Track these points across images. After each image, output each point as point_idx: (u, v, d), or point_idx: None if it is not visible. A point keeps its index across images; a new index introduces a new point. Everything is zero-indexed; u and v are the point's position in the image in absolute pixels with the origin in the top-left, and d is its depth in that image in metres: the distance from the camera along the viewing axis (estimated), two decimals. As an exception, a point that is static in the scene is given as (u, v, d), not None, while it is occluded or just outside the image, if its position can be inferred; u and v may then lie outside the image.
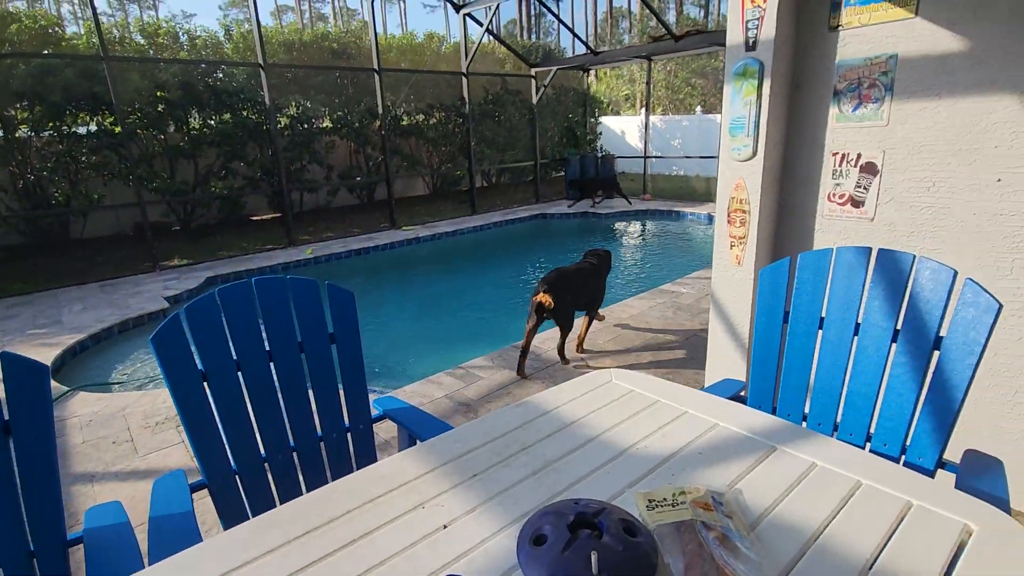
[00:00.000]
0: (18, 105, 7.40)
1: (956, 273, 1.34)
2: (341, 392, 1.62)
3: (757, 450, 1.12)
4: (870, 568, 0.80)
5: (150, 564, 0.91)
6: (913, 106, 2.11)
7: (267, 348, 1.50)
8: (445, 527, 0.93)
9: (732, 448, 1.13)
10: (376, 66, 8.86)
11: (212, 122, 8.91)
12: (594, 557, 0.73)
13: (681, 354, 3.73)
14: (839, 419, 1.52)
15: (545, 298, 3.33)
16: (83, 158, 7.82)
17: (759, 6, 2.30)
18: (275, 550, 0.89)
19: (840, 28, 2.25)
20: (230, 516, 1.40)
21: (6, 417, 1.11)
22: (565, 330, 3.57)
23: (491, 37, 11.91)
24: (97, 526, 1.13)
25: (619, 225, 9.88)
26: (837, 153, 2.34)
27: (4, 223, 7.70)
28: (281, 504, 1.13)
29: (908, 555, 0.82)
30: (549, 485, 1.03)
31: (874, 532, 0.87)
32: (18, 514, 1.13)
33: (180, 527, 1.08)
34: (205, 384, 1.38)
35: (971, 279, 1.31)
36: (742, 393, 1.69)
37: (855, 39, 2.21)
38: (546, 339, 4.08)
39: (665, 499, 0.91)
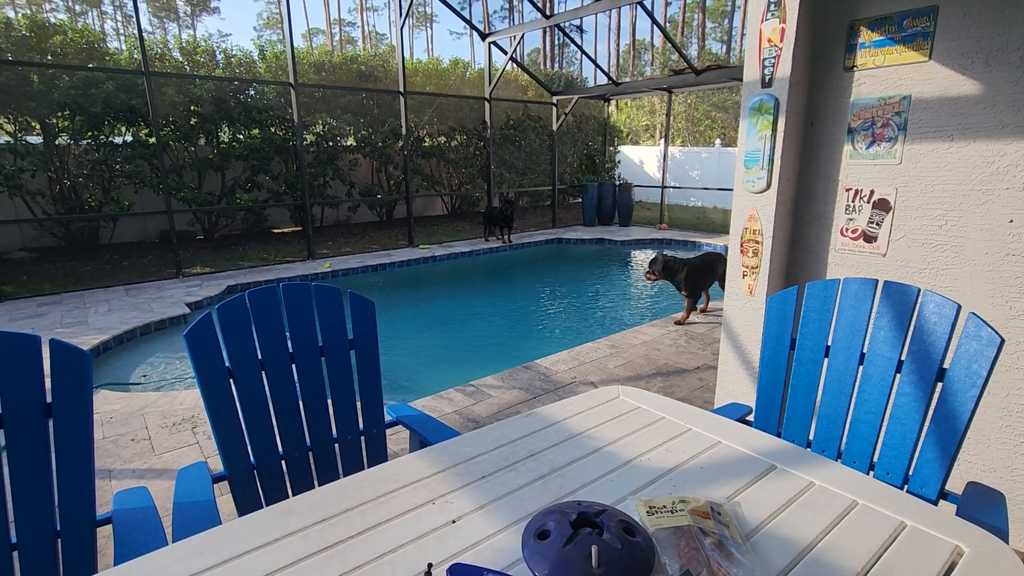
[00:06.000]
0: (59, 114, 7.74)
1: (960, 307, 1.37)
2: (357, 396, 1.68)
3: (757, 467, 1.15)
4: (861, 581, 0.83)
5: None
6: (926, 146, 2.15)
7: (290, 351, 1.57)
8: (454, 522, 0.97)
9: (733, 464, 1.17)
10: (402, 88, 9.13)
11: (241, 136, 9.23)
12: (595, 550, 0.78)
13: (692, 381, 3.74)
14: (843, 446, 1.54)
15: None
16: (117, 166, 8.15)
17: (775, 45, 2.39)
18: (294, 534, 0.94)
19: (855, 69, 2.32)
20: (247, 508, 1.45)
21: (48, 400, 1.19)
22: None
23: (515, 65, 12.21)
24: (125, 508, 1.19)
25: (634, 253, 9.93)
26: (850, 189, 2.39)
27: (40, 226, 8.00)
28: (296, 499, 1.18)
29: (898, 571, 0.85)
30: (555, 489, 1.07)
31: (866, 548, 0.90)
32: (50, 495, 1.20)
33: (202, 512, 1.14)
34: (231, 381, 1.45)
35: (974, 313, 1.34)
36: (748, 417, 1.71)
37: (870, 79, 2.27)
38: (557, 361, 4.11)
39: (665, 506, 0.95)
